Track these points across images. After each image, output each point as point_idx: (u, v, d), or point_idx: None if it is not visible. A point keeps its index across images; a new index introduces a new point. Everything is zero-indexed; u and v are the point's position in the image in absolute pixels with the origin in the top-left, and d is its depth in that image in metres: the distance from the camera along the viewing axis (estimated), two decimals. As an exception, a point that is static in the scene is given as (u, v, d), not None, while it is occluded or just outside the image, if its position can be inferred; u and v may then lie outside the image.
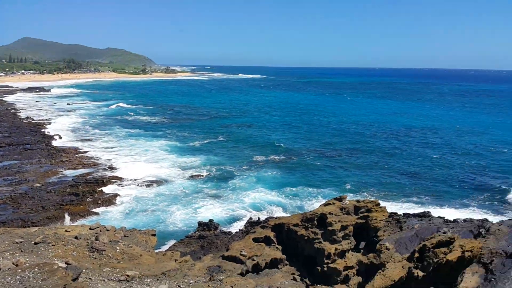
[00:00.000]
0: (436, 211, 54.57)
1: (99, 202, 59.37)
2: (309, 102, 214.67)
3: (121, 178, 70.11)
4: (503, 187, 68.26)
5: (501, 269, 29.19)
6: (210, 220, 50.76)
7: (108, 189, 64.34)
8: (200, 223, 50.04)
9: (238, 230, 49.35)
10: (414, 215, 47.09)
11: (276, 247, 31.08)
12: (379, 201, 33.35)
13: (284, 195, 64.10)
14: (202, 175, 73.94)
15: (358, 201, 33.56)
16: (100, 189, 63.74)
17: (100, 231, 24.87)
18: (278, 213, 56.36)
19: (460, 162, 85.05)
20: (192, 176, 73.15)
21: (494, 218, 48.27)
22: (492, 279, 28.26)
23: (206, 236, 46.87)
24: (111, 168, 75.23)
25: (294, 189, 66.69)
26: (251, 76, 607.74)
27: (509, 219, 41.76)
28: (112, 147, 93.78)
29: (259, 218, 53.06)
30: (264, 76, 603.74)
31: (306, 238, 30.60)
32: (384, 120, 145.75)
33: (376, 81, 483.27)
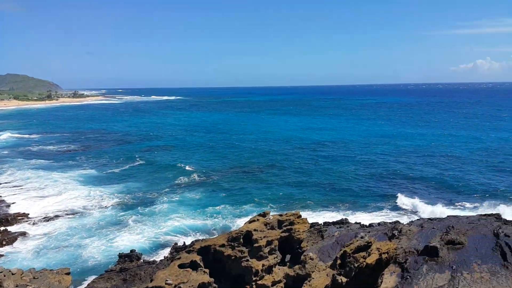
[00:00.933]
0: (353, 217, 57.84)
1: (4, 242, 53.14)
2: (226, 121, 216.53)
3: (28, 214, 63.63)
4: (404, 191, 74.69)
5: (415, 267, 31.47)
6: (132, 251, 47.95)
7: (13, 228, 57.95)
8: (121, 255, 47.01)
9: (163, 258, 47.22)
10: (334, 223, 49.23)
11: (204, 271, 30.21)
12: (300, 213, 34.27)
13: (207, 216, 63.17)
14: (121, 203, 70.05)
15: (281, 215, 34.15)
16: (4, 228, 57.18)
17: (4, 275, 22.06)
18: (204, 235, 55.24)
19: (368, 170, 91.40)
20: (109, 205, 68.93)
21: (404, 219, 52.26)
22: (408, 277, 30.31)
23: (128, 268, 44.10)
24: (15, 204, 67.96)
25: (217, 208, 66.14)
26: (165, 97, 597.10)
27: (418, 219, 45.56)
28: (15, 182, 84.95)
29: (184, 242, 51.40)
30: (179, 97, 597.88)
31: (233, 257, 30.23)
32: (298, 135, 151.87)
33: (288, 99, 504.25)
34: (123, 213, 64.84)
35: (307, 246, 35.08)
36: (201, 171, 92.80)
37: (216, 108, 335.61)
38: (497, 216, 43.09)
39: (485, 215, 44.45)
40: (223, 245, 31.05)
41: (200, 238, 51.44)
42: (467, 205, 63.96)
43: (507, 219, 43.55)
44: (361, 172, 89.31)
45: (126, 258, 46.50)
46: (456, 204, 65.17)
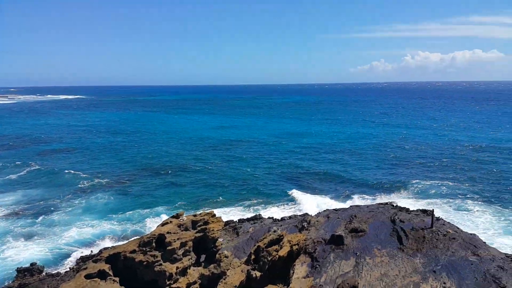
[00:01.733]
0: (267, 212, 59.42)
1: None
2: (133, 121, 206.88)
3: None
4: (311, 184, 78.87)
5: (323, 255, 33.29)
6: (32, 264, 43.68)
7: None
8: (20, 270, 42.57)
9: (68, 269, 43.71)
10: (248, 219, 50.07)
11: (113, 280, 28.53)
12: (215, 212, 34.14)
13: (116, 221, 59.91)
14: (17, 212, 63.26)
15: (195, 215, 33.66)
16: None
17: None
18: (113, 242, 52.21)
19: (279, 167, 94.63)
20: (2, 215, 61.79)
21: (312, 211, 54.93)
22: (317, 266, 31.95)
23: (29, 283, 40.06)
24: None
25: (127, 213, 63.10)
26: (63, 96, 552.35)
27: (324, 210, 48.30)
28: None
29: (91, 251, 48.14)
30: (80, 96, 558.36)
31: (145, 263, 29.00)
32: (211, 135, 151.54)
33: (203, 98, 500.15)
34: (20, 223, 58.67)
35: (222, 244, 35.07)
36: (106, 175, 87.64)
37: (123, 108, 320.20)
38: (393, 204, 47.62)
39: (383, 203, 48.84)
40: (134, 251, 29.63)
41: (109, 245, 48.56)
42: (366, 196, 69.33)
43: (401, 206, 48.37)
44: (273, 168, 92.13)
45: (26, 273, 42.23)
46: (357, 195, 70.32)
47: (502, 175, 79.96)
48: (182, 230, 31.19)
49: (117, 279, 28.42)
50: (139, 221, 60.01)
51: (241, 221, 49.24)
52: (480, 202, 63.98)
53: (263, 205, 66.58)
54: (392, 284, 28.58)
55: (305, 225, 40.56)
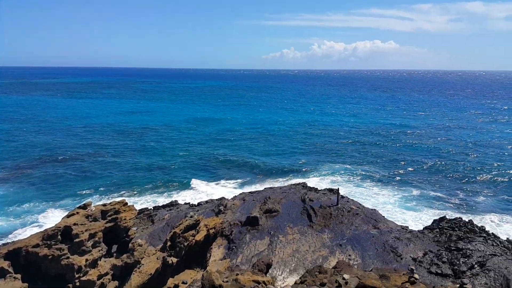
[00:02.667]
0: (182, 198, 58.71)
1: None
2: (30, 106, 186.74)
3: None
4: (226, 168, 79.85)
5: (239, 237, 34.00)
6: None
7: None
8: None
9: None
10: (164, 206, 49.00)
11: (14, 277, 26.08)
12: (126, 201, 32.76)
13: (15, 215, 54.63)
14: None
15: (104, 205, 31.91)
16: None
17: None
18: (13, 237, 47.56)
19: (194, 152, 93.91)
20: None
21: (228, 195, 55.58)
22: (234, 247, 32.57)
23: None
24: None
25: (27, 205, 57.82)
26: None
27: (240, 193, 49.17)
28: None
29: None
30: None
31: (50, 257, 26.89)
32: (123, 120, 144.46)
33: (111, 81, 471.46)
34: None
35: (136, 233, 33.90)
36: (6, 163, 79.15)
37: (17, 91, 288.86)
38: (304, 185, 50.13)
39: (294, 184, 51.20)
40: (37, 245, 27.29)
41: (8, 241, 44.11)
42: (280, 179, 72.09)
43: (311, 186, 51.17)
44: (189, 153, 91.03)
45: None
46: (271, 178, 72.78)
47: (395, 157, 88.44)
48: (90, 221, 29.40)
49: (18, 276, 26.03)
50: (42, 213, 55.40)
51: (156, 208, 48.01)
52: (379, 181, 70.23)
53: (178, 190, 65.72)
54: (303, 259, 30.27)
55: (222, 209, 40.96)
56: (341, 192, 43.29)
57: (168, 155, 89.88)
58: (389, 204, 58.65)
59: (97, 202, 53.24)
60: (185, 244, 29.37)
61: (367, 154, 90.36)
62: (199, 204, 49.02)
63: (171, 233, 30.79)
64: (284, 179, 71.46)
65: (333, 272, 21.18)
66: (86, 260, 27.46)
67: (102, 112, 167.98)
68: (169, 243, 29.46)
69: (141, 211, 45.14)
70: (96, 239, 28.78)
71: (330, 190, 46.32)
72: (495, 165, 79.90)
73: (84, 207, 30.92)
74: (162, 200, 58.35)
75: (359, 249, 31.85)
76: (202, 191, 65.71)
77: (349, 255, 30.90)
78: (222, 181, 71.07)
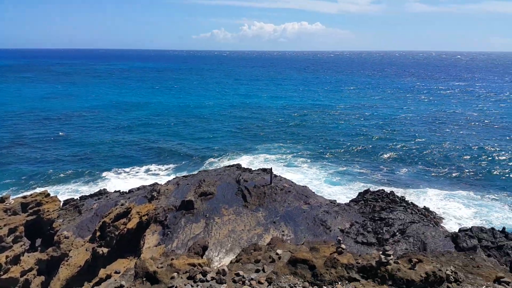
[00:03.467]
0: (114, 186, 56.37)
1: None
2: None
3: None
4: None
5: (174, 222, 33.57)
6: None
7: None
8: None
9: None
10: (92, 195, 46.68)
11: None
12: (49, 192, 30.78)
13: None
14: None
15: (24, 197, 29.73)
16: None
17: None
18: None
19: (122, 138, 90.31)
20: None
21: (161, 180, 54.48)
22: (169, 233, 32.12)
23: None
24: None
25: None
26: None
27: (174, 178, 48.34)
28: None
29: None
30: None
31: (-37, 258, 24.59)
32: (41, 106, 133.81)
33: (29, 64, 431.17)
34: None
35: (61, 225, 32.05)
36: None
37: None
38: (238, 166, 50.58)
39: (229, 166, 51.47)
40: None
41: None
42: (214, 162, 72.02)
43: (245, 167, 51.80)
44: (118, 139, 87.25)
45: None
46: (206, 161, 72.46)
47: (323, 136, 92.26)
48: (9, 215, 27.26)
49: None
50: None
51: (83, 198, 45.56)
52: (308, 159, 73.01)
53: (107, 179, 62.96)
54: (239, 238, 30.78)
55: (155, 195, 40.02)
56: (274, 171, 44.37)
57: (94, 143, 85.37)
58: (317, 180, 61.30)
59: (16, 195, 49.33)
60: (116, 233, 28.42)
61: (297, 134, 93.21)
62: (130, 191, 47.39)
63: (100, 222, 29.58)
64: (218, 162, 71.50)
65: (267, 249, 21.79)
66: (7, 256, 25.52)
67: (19, 98, 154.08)
68: (98, 233, 28.30)
69: (67, 201, 42.67)
70: (17, 233, 26.81)
71: (264, 170, 47.26)
72: (413, 141, 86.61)
73: (2, 200, 28.57)
74: (90, 190, 55.58)
75: (291, 224, 33.07)
76: (133, 178, 63.59)
77: (283, 231, 31.98)
78: (154, 167, 69.26)
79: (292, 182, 43.63)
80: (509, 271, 20.93)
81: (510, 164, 69.26)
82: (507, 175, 63.67)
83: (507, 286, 16.44)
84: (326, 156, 75.24)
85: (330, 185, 59.28)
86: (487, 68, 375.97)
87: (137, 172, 66.44)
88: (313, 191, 44.02)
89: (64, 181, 61.48)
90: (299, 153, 76.98)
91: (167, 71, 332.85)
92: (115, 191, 48.46)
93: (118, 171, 66.53)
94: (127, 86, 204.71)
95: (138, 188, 48.21)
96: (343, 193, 55.13)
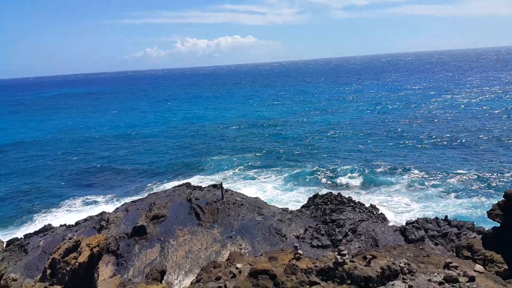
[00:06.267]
0: (59, 220, 53.40)
1: None
2: None
3: None
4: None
5: (127, 250, 32.76)
6: None
7: None
8: None
9: None
10: (36, 232, 44.06)
11: None
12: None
13: None
14: None
15: (-39, 243, 27.57)
16: None
17: None
18: None
19: (65, 168, 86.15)
20: None
21: (110, 208, 52.62)
22: (123, 262, 31.28)
23: None
24: None
25: None
26: None
27: (122, 204, 47.03)
28: None
29: None
30: None
31: None
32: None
33: None
34: None
35: (6, 268, 29.98)
36: None
37: None
38: (188, 185, 50.28)
39: (178, 186, 50.97)
40: None
41: None
42: (163, 183, 70.71)
43: (195, 185, 51.58)
44: (56, 169, 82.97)
45: None
46: (154, 183, 70.94)
47: (266, 146, 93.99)
48: None
49: None
50: None
51: (27, 236, 42.85)
52: (257, 170, 74.06)
53: (49, 214, 59.54)
54: (197, 258, 30.73)
55: (104, 224, 38.73)
56: (224, 186, 44.72)
57: (32, 174, 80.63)
58: (268, 189, 62.40)
59: None
60: (68, 268, 27.17)
61: (242, 147, 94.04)
62: (77, 223, 45.31)
63: (50, 259, 28.12)
64: (167, 182, 70.31)
65: (226, 265, 22.08)
66: None
67: None
68: (49, 271, 26.90)
69: (10, 242, 39.99)
70: (-44, 285, 24.77)
71: (214, 186, 47.42)
72: (352, 142, 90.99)
73: None
74: (33, 227, 52.28)
75: (248, 237, 33.56)
76: (77, 210, 60.61)
77: (240, 245, 32.36)
78: (99, 195, 66.56)
79: (244, 195, 44.21)
80: (455, 256, 22.88)
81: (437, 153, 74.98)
82: (441, 164, 68.77)
83: (455, 270, 17.99)
84: (273, 164, 76.72)
85: (280, 192, 60.65)
86: (401, 69, 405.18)
87: (81, 203, 63.48)
88: (264, 201, 44.88)
89: (3, 221, 57.33)
90: (247, 164, 77.86)
91: (93, 94, 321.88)
92: (61, 225, 46.08)
93: (60, 204, 63.22)
94: (56, 112, 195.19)
95: (85, 219, 46.25)
96: (293, 199, 56.53)
